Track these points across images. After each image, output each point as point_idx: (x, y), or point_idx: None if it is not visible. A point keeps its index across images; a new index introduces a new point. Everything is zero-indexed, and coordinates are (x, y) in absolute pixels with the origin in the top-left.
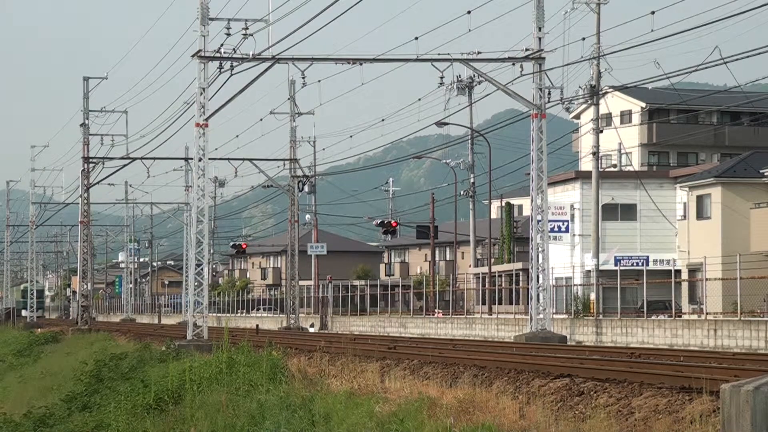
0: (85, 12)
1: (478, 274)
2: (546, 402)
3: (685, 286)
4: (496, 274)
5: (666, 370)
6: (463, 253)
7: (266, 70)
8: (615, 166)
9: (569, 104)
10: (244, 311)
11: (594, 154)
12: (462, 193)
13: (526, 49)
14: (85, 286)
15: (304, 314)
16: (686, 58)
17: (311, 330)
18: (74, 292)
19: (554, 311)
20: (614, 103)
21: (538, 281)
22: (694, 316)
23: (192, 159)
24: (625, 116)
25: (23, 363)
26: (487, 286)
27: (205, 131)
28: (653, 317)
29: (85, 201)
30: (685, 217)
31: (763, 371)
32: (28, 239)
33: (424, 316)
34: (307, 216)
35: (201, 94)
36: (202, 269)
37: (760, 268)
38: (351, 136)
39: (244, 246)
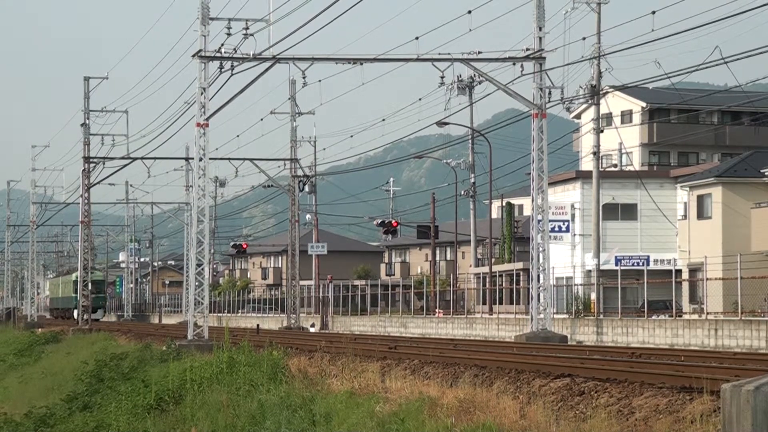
0: (85, 12)
1: (479, 273)
2: (546, 402)
3: (685, 285)
4: (497, 274)
5: (667, 369)
6: (463, 252)
7: (267, 70)
8: (615, 165)
9: (570, 104)
10: (245, 311)
11: (594, 153)
12: (462, 192)
13: (527, 49)
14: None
15: (305, 314)
16: (687, 57)
17: (312, 330)
18: None
19: (555, 311)
20: (615, 102)
21: (538, 281)
22: (695, 316)
23: (192, 159)
24: (626, 116)
25: (24, 363)
26: (487, 285)
27: (206, 131)
28: (654, 317)
29: (86, 201)
30: (685, 216)
31: (764, 371)
32: (28, 239)
33: (425, 316)
34: (308, 216)
35: (201, 94)
36: (202, 269)
37: (760, 267)
38: (351, 136)
39: (244, 246)
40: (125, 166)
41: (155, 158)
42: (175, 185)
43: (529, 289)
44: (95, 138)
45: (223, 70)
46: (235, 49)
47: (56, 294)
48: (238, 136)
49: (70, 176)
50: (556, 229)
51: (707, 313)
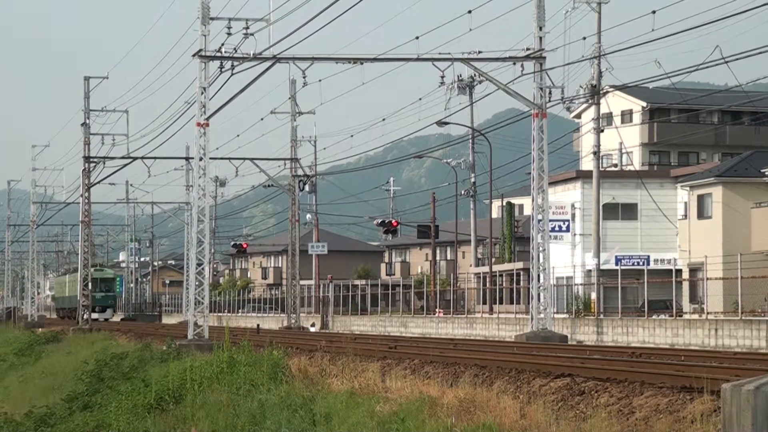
0: (86, 12)
1: (479, 273)
2: (547, 401)
3: (686, 285)
4: (497, 274)
5: (667, 369)
6: (463, 252)
7: (267, 69)
8: (616, 165)
9: (570, 104)
10: (245, 311)
11: (595, 153)
12: (463, 192)
13: (527, 49)
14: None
15: (305, 314)
16: (687, 57)
17: (312, 329)
18: None
19: (555, 311)
20: (615, 102)
21: (538, 281)
22: (695, 316)
23: (193, 158)
24: (626, 116)
25: (24, 362)
26: (488, 285)
27: (206, 131)
28: (654, 317)
29: (86, 200)
30: (685, 216)
31: (764, 371)
32: (28, 239)
33: (425, 315)
34: (308, 215)
35: (202, 93)
36: (202, 269)
37: (760, 267)
38: (352, 136)
39: (244, 245)
40: (125, 165)
41: (155, 158)
42: (175, 185)
43: (529, 288)
44: (95, 138)
45: (223, 69)
46: (235, 48)
47: (62, 293)
48: (238, 135)
49: (70, 176)
50: (557, 228)
51: (707, 313)
